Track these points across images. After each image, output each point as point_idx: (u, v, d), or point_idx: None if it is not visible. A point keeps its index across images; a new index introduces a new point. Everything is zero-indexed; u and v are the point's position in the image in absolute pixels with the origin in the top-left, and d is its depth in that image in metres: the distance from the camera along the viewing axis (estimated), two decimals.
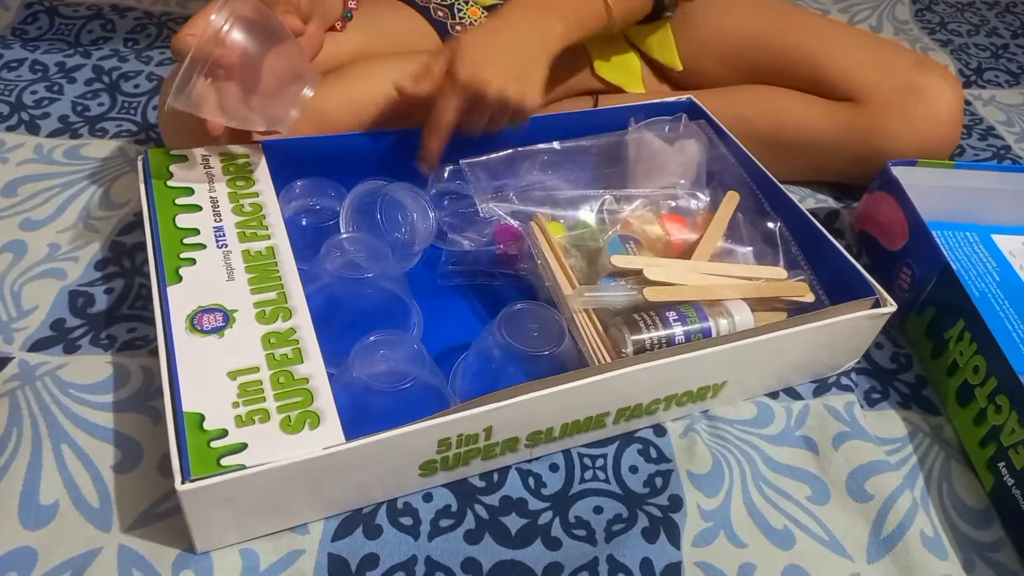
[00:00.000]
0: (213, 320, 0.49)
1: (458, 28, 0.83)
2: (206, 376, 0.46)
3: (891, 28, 1.09)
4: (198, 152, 0.61)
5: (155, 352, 0.57)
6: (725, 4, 0.83)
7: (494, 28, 0.64)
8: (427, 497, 0.52)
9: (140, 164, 0.59)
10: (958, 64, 1.03)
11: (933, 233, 0.74)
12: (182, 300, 0.50)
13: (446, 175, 0.68)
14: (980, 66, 1.04)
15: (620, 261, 0.59)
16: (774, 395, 0.61)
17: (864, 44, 0.79)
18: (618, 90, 0.83)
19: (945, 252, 0.73)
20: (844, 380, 0.63)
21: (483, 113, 0.63)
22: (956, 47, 1.07)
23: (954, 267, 0.70)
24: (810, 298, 0.60)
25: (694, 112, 0.74)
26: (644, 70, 0.85)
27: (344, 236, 0.59)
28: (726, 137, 0.71)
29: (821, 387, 0.62)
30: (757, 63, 0.80)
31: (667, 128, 0.70)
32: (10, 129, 0.76)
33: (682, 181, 0.69)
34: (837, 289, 0.61)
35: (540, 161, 0.68)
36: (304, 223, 0.63)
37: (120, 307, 0.61)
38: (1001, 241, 0.76)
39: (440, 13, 0.83)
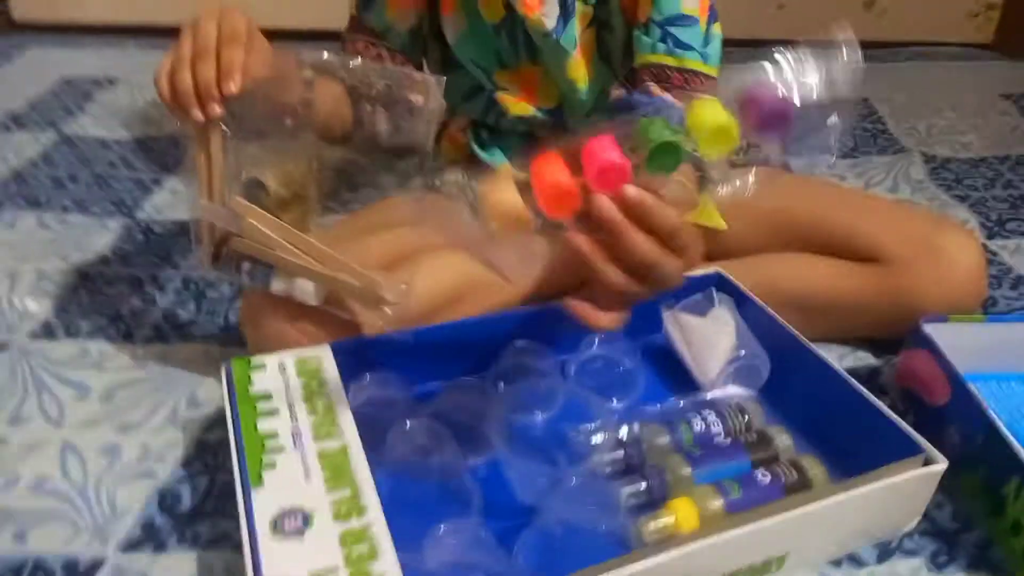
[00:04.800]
0: (294, 522, 0.53)
1: None
2: None
3: (908, 188, 1.15)
4: (275, 359, 0.68)
5: (238, 547, 0.61)
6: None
7: None
8: None
9: (223, 374, 0.66)
10: (979, 218, 1.08)
11: (976, 386, 0.76)
12: (265, 504, 0.54)
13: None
14: (1001, 217, 1.08)
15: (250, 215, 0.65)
16: (837, 563, 0.61)
17: (882, 206, 0.85)
18: None
19: (990, 406, 0.74)
20: (907, 543, 0.63)
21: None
22: (975, 201, 1.12)
23: (1002, 420, 0.70)
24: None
25: (722, 284, 0.79)
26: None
27: (409, 422, 0.64)
28: (752, 305, 0.76)
29: (884, 552, 0.62)
30: (781, 230, 0.85)
31: (699, 304, 0.75)
32: (108, 340, 0.85)
33: (743, 352, 0.72)
34: (884, 450, 0.62)
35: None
36: (371, 414, 0.68)
37: (204, 504, 0.66)
38: None
39: None
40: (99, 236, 1.02)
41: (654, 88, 0.79)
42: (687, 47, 0.80)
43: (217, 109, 0.62)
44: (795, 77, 0.48)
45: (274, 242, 0.64)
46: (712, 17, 0.82)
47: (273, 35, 0.67)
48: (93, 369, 0.81)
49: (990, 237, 1.04)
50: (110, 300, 0.90)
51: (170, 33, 0.65)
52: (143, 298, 0.91)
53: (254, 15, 0.66)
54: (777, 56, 0.48)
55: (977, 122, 1.36)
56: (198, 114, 0.62)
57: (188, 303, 0.90)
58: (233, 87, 0.61)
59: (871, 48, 1.72)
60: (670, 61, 0.80)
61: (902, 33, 1.91)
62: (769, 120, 0.48)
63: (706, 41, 0.81)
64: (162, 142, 1.26)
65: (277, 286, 0.66)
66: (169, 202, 1.10)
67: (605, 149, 0.46)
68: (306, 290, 0.65)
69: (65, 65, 1.55)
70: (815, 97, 0.48)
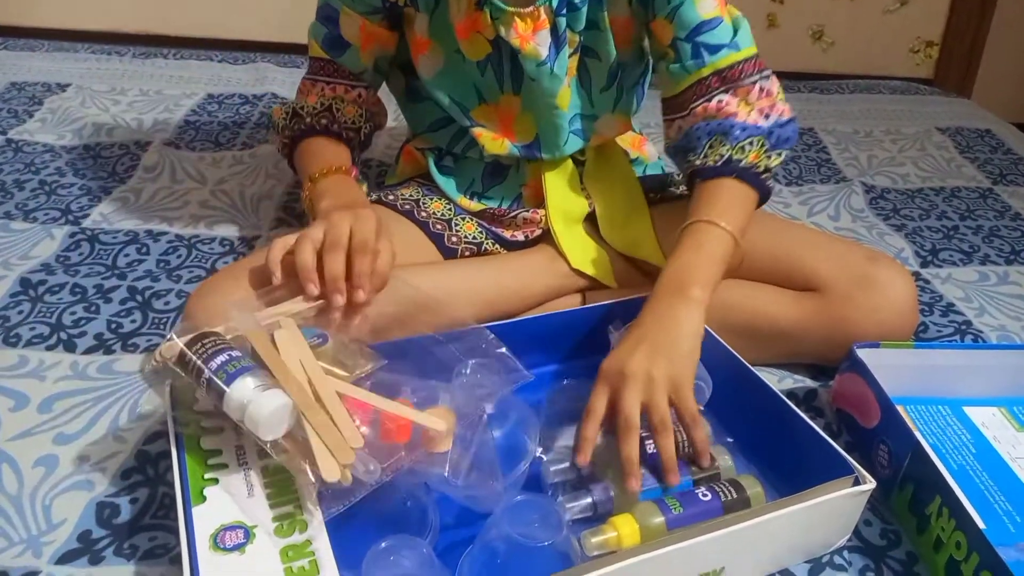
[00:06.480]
0: (235, 537, 0.53)
1: (454, 239, 0.92)
2: None
3: (848, 216, 1.20)
4: None
5: (175, 560, 0.61)
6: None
7: (639, 335, 0.68)
8: None
9: (167, 391, 0.65)
10: (914, 247, 1.13)
11: (906, 409, 0.79)
12: (206, 520, 0.54)
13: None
14: (934, 247, 1.13)
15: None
16: None
17: (822, 240, 0.88)
18: (602, 286, 0.91)
19: (918, 428, 0.78)
20: (837, 559, 0.65)
21: (632, 396, 0.64)
22: (910, 231, 1.17)
23: (928, 442, 0.74)
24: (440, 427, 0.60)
25: None
26: (626, 267, 0.93)
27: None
28: None
29: (815, 567, 0.64)
30: None
31: None
32: (49, 349, 0.83)
33: None
34: (818, 469, 0.64)
35: None
36: None
37: (143, 517, 0.65)
38: (973, 413, 0.80)
39: (438, 227, 0.93)
40: (44, 244, 1.00)
41: (708, 108, 0.81)
42: (716, 49, 0.81)
43: (340, 300, 0.69)
44: None
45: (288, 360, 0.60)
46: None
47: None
48: (32, 378, 0.79)
49: (923, 266, 1.08)
50: (52, 309, 0.89)
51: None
52: (87, 307, 0.89)
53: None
54: None
55: (915, 154, 1.42)
56: (339, 299, 0.69)
57: (133, 313, 0.89)
58: (363, 296, 0.69)
59: (818, 79, 1.80)
60: (706, 71, 0.81)
61: (847, 66, 1.99)
62: None
63: (734, 31, 0.83)
64: (113, 150, 1.25)
65: (237, 393, 0.57)
66: (117, 211, 1.09)
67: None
68: (258, 415, 0.56)
69: (14, 70, 1.52)
70: None
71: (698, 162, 0.81)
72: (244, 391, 0.57)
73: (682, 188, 0.97)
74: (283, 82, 1.53)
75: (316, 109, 0.90)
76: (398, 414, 0.60)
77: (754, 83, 0.82)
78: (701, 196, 0.79)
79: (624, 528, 0.61)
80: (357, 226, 0.71)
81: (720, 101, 0.82)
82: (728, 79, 0.82)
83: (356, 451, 0.55)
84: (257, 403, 0.56)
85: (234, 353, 0.59)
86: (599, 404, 0.66)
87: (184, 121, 1.36)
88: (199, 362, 0.59)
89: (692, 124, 0.83)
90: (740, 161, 0.79)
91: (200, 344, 0.60)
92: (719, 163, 0.79)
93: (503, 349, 0.70)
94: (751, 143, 0.80)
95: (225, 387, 0.57)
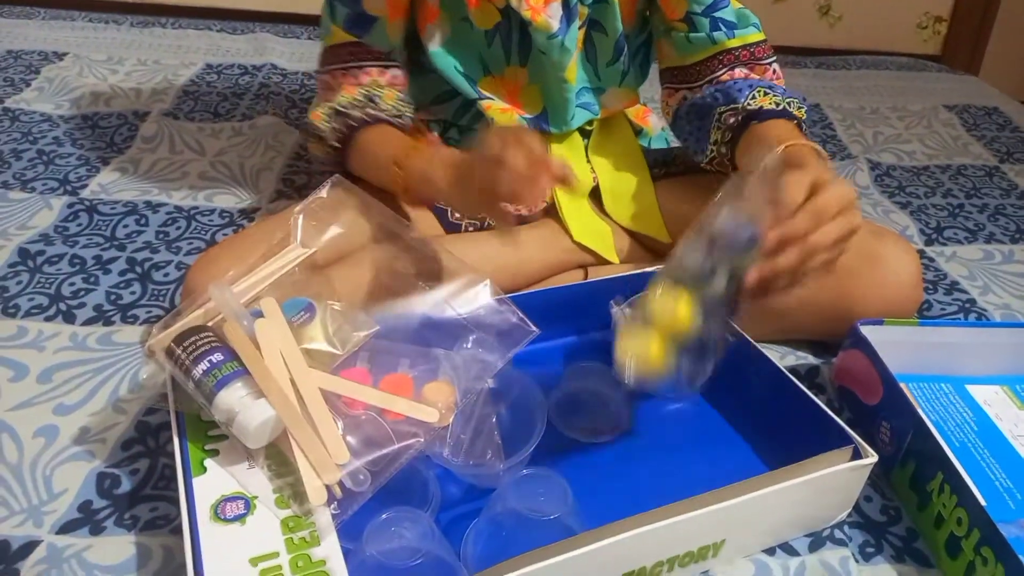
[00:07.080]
0: (235, 508, 0.53)
1: (457, 215, 0.91)
2: (229, 565, 0.49)
3: None
4: None
5: (176, 531, 0.61)
6: (702, 185, 0.92)
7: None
8: None
9: (168, 369, 0.64)
10: (919, 224, 1.12)
11: (908, 387, 0.79)
12: (207, 491, 0.54)
13: None
14: (939, 225, 1.12)
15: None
16: (771, 551, 0.63)
17: None
18: (604, 261, 0.90)
19: (920, 406, 0.77)
20: (838, 533, 0.65)
21: (838, 192, 0.61)
22: (915, 208, 1.16)
23: (931, 419, 0.74)
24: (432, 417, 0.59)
25: None
26: (631, 244, 0.92)
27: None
28: None
29: (816, 541, 0.64)
30: None
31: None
32: (48, 319, 0.82)
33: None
34: (819, 443, 0.64)
35: None
36: None
37: (144, 487, 0.65)
38: (976, 391, 0.80)
39: None
40: (42, 214, 0.99)
41: (734, 75, 0.84)
42: (734, 25, 0.85)
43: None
44: None
45: (268, 358, 0.58)
46: None
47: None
48: (31, 349, 0.79)
49: (928, 244, 1.08)
50: (51, 280, 0.88)
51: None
52: (86, 278, 0.89)
53: None
54: None
55: (921, 132, 1.41)
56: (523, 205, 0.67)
57: (133, 284, 0.88)
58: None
59: (824, 55, 1.78)
60: (734, 43, 0.84)
61: (854, 41, 1.97)
62: None
63: (743, 15, 0.86)
64: (111, 120, 1.23)
65: (225, 401, 0.56)
66: (116, 181, 1.08)
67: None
68: (246, 426, 0.55)
69: (10, 38, 1.50)
70: None
71: (751, 106, 0.81)
72: (232, 400, 0.56)
73: (708, 162, 0.94)
74: (282, 52, 1.52)
75: (359, 101, 0.83)
76: (388, 408, 0.58)
77: (770, 64, 0.86)
78: (771, 130, 0.77)
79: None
80: (527, 144, 0.66)
81: (744, 71, 0.85)
82: (755, 55, 0.85)
83: (343, 465, 0.54)
84: (246, 414, 0.55)
85: (216, 358, 0.58)
86: (800, 193, 0.59)
87: (183, 91, 1.34)
88: (187, 361, 0.58)
89: (723, 83, 0.85)
90: (791, 112, 0.81)
91: (182, 346, 0.59)
92: (778, 108, 0.80)
93: (506, 305, 0.69)
94: (793, 101, 0.82)
95: (214, 392, 0.56)
